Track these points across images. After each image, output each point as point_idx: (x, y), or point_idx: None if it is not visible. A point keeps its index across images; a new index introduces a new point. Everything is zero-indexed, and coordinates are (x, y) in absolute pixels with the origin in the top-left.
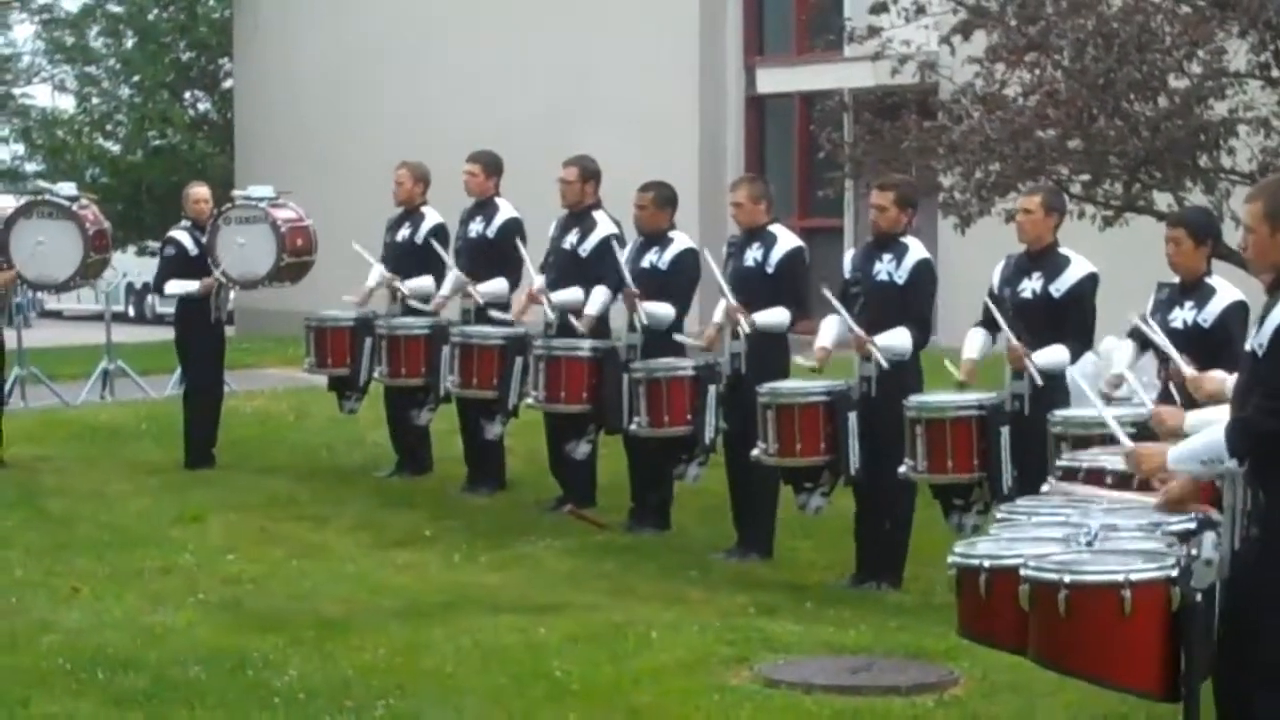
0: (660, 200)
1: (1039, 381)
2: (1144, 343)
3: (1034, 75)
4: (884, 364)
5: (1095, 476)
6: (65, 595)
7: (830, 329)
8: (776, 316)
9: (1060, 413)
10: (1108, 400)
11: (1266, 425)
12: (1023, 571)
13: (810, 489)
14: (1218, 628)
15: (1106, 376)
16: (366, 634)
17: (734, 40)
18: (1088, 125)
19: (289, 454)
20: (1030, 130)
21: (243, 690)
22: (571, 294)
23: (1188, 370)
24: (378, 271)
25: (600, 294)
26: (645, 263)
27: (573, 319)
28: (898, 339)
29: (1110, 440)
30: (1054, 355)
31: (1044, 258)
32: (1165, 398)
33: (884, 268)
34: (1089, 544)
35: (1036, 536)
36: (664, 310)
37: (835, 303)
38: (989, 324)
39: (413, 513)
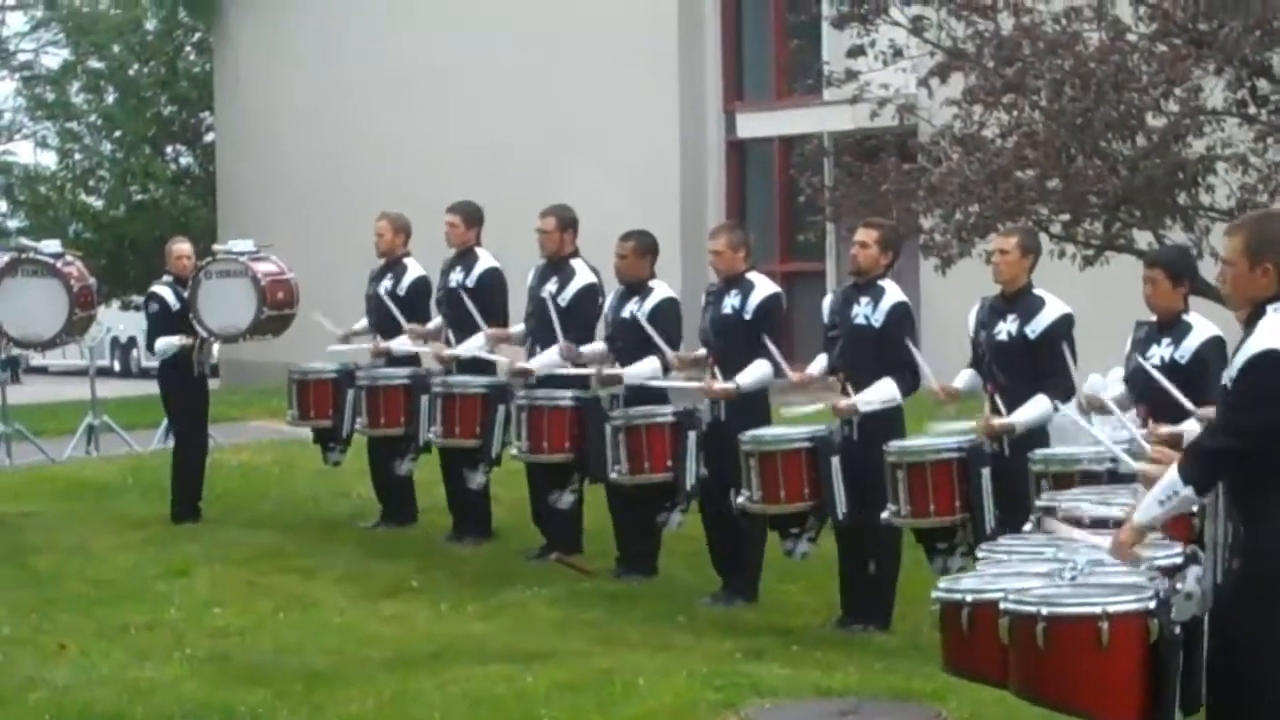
0: (640, 249)
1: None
2: (1139, 392)
3: (1012, 116)
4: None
5: (1073, 521)
6: (52, 652)
7: (963, 378)
8: (759, 372)
9: (1041, 451)
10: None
11: (1222, 444)
12: (1002, 604)
13: (796, 535)
14: (1207, 661)
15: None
16: (355, 685)
17: (713, 85)
18: (1066, 165)
19: (275, 506)
20: (1009, 171)
21: None
22: (549, 357)
23: (1186, 403)
24: (367, 330)
25: (597, 348)
26: (626, 313)
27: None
28: (884, 391)
29: (1089, 479)
30: (1035, 410)
31: (1019, 299)
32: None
33: (861, 311)
34: (1072, 579)
35: (1020, 572)
36: (647, 368)
37: (915, 353)
38: (977, 365)
39: (399, 563)
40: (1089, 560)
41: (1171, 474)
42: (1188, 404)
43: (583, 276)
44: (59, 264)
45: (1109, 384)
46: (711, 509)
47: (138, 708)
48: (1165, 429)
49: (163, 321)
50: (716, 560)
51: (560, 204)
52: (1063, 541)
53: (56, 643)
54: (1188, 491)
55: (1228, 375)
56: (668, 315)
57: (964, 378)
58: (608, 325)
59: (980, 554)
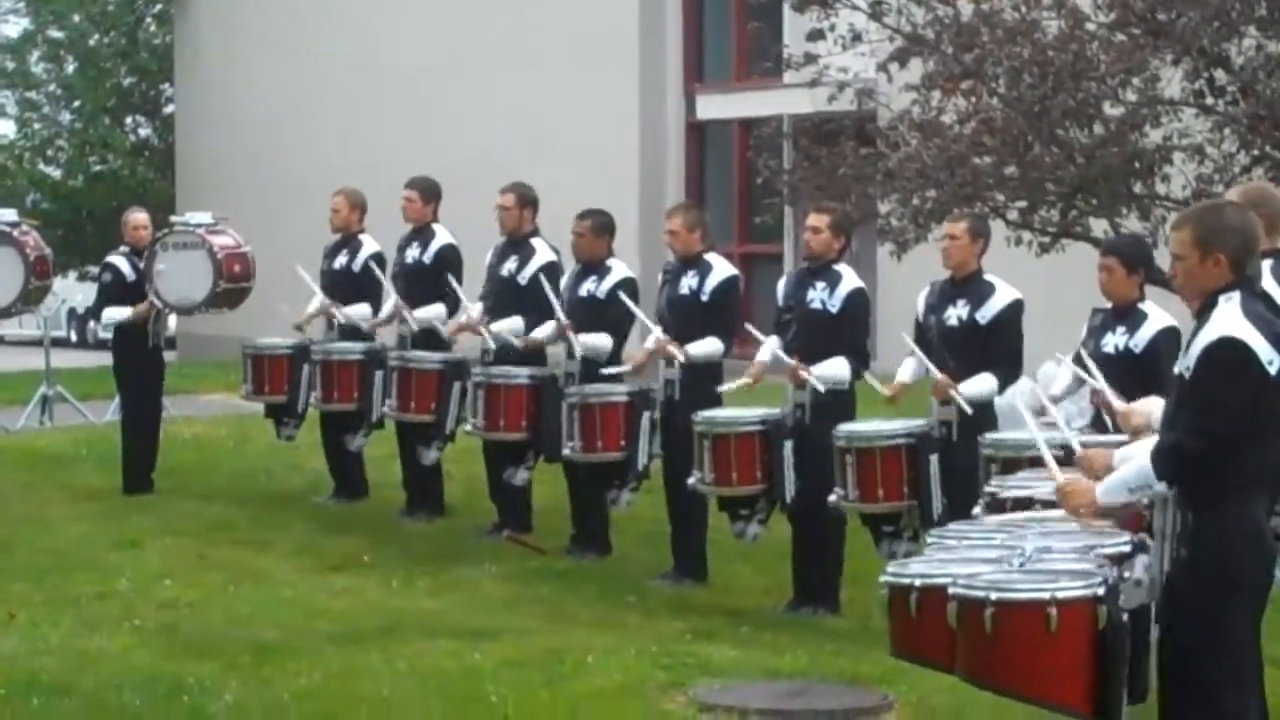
0: (598, 228)
1: (968, 412)
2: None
3: (970, 103)
4: (820, 389)
5: (1022, 505)
6: (1, 620)
7: (767, 349)
8: (709, 347)
9: (991, 435)
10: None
11: (1191, 446)
12: (950, 589)
13: (746, 517)
14: (1156, 648)
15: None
16: (303, 659)
17: (674, 66)
18: (1024, 152)
19: (228, 479)
20: (966, 157)
21: (178, 716)
22: (510, 323)
23: (1117, 404)
24: (318, 299)
25: (549, 326)
26: (583, 291)
27: (513, 339)
28: (836, 368)
29: (1039, 463)
30: (981, 385)
31: (969, 284)
32: (1098, 423)
33: (817, 295)
34: (1021, 565)
35: (969, 558)
36: (601, 341)
37: (913, 347)
38: (923, 348)
39: (351, 538)
40: (1037, 547)
41: (1144, 465)
42: (1116, 401)
43: (542, 255)
44: (15, 233)
45: (1059, 373)
46: (673, 488)
47: (86, 677)
48: (1133, 410)
49: (116, 291)
50: (675, 540)
51: (520, 181)
52: (1013, 526)
53: (6, 612)
54: (1160, 487)
55: (1183, 365)
56: (628, 295)
57: (908, 369)
58: (564, 304)
59: (930, 539)
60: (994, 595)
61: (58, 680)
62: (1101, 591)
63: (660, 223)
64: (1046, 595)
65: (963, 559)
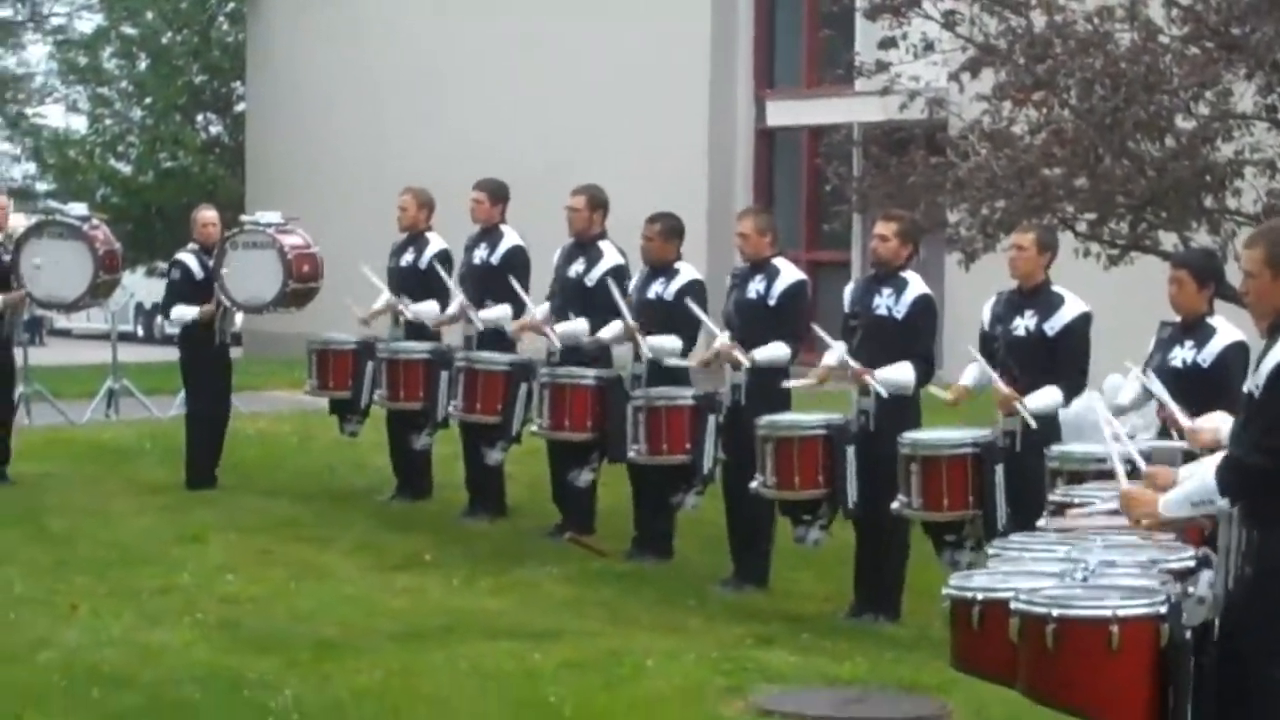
0: (667, 231)
1: (1033, 425)
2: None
3: (1041, 114)
4: (883, 394)
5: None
6: (64, 612)
7: (833, 355)
8: (776, 352)
9: (1057, 448)
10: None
11: (1257, 462)
12: (1012, 604)
13: (809, 522)
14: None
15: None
16: (363, 656)
17: (744, 73)
18: (1094, 164)
19: (291, 476)
20: (1036, 168)
21: (238, 710)
22: (576, 325)
23: (1185, 421)
24: (384, 296)
25: (615, 327)
26: (651, 293)
27: (581, 339)
28: (900, 373)
29: (1105, 475)
30: (1047, 398)
31: (1037, 295)
32: (1164, 436)
33: (883, 301)
34: (1084, 580)
35: (1032, 570)
36: (669, 343)
37: (826, 338)
38: (987, 358)
39: (413, 537)
40: (1101, 560)
41: (1208, 480)
42: (1182, 417)
43: (611, 257)
44: (85, 227)
45: (1126, 385)
46: (733, 493)
47: (146, 671)
48: (1201, 428)
49: (184, 288)
50: (733, 545)
51: (592, 184)
52: (1074, 538)
53: (69, 603)
54: (1223, 503)
55: (1253, 383)
56: (694, 298)
57: (971, 374)
58: (633, 306)
59: (992, 551)
60: (1056, 612)
61: (119, 672)
62: (1164, 609)
63: (728, 228)
64: (1108, 613)
65: (1026, 572)
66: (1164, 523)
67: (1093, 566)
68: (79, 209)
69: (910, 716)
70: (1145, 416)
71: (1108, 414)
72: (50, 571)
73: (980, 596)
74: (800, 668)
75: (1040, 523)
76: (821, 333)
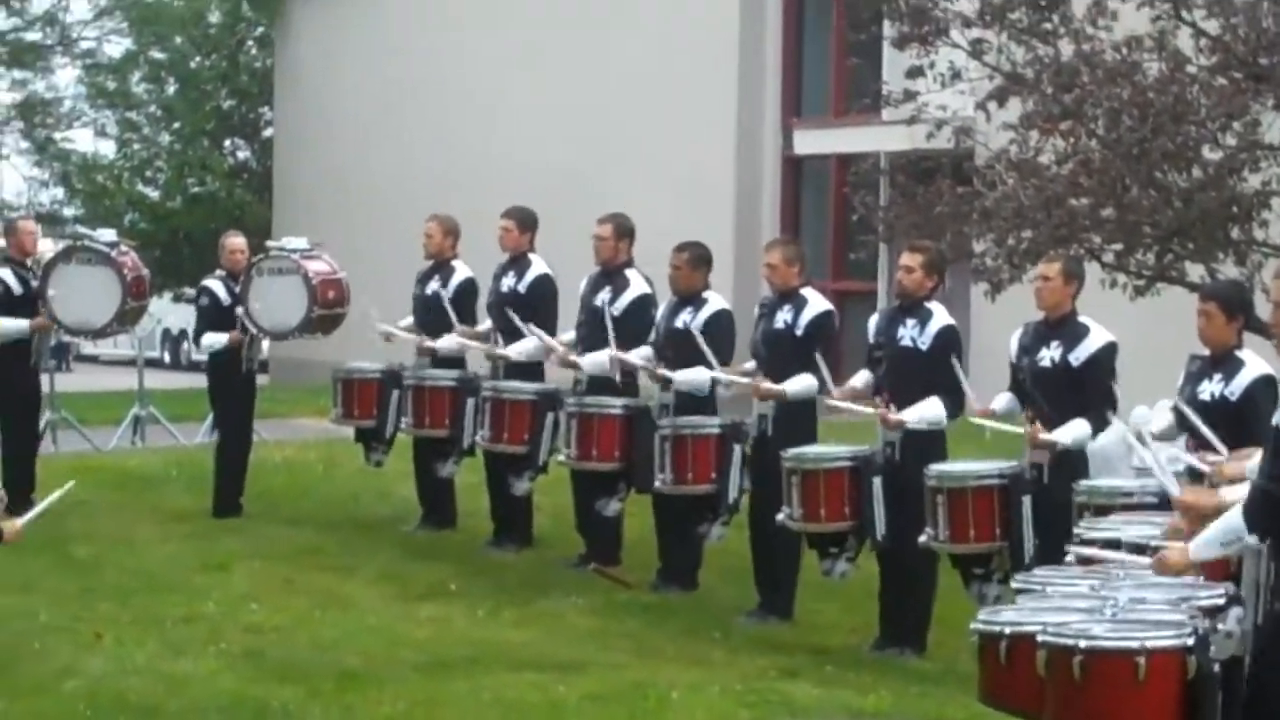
0: (695, 260)
1: (1067, 444)
2: (1182, 421)
3: (1068, 143)
4: (921, 428)
5: (1111, 547)
6: (89, 641)
7: (1002, 401)
8: (804, 384)
9: (1085, 482)
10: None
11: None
12: (1039, 637)
13: (835, 554)
14: (1245, 702)
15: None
16: (387, 686)
17: (772, 101)
18: (1121, 195)
19: (316, 504)
20: (1063, 198)
21: None
22: (601, 356)
23: (1212, 457)
24: (409, 320)
25: (644, 351)
26: (679, 323)
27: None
28: (930, 409)
29: (1132, 509)
30: (1075, 431)
31: (1063, 326)
32: (1193, 474)
33: (908, 333)
34: (1113, 615)
35: (1063, 606)
36: (699, 376)
37: (825, 374)
38: (1016, 389)
39: (438, 566)
40: (1131, 598)
41: (1235, 519)
42: (1219, 445)
43: (637, 286)
44: (114, 253)
45: (1155, 416)
46: (759, 524)
47: (171, 700)
48: (1227, 465)
49: (212, 315)
50: (759, 576)
51: (618, 212)
52: (1100, 573)
53: (93, 632)
54: (1252, 539)
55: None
56: (722, 328)
57: (1002, 401)
58: (659, 335)
59: (1016, 584)
60: (1083, 643)
61: (144, 702)
62: (1191, 642)
63: (755, 256)
64: (1135, 644)
65: (1056, 608)
66: (1196, 562)
67: (1123, 603)
68: (108, 235)
69: None
70: (1171, 451)
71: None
72: (75, 599)
73: (1008, 630)
74: (825, 701)
75: (1068, 558)
76: (824, 369)
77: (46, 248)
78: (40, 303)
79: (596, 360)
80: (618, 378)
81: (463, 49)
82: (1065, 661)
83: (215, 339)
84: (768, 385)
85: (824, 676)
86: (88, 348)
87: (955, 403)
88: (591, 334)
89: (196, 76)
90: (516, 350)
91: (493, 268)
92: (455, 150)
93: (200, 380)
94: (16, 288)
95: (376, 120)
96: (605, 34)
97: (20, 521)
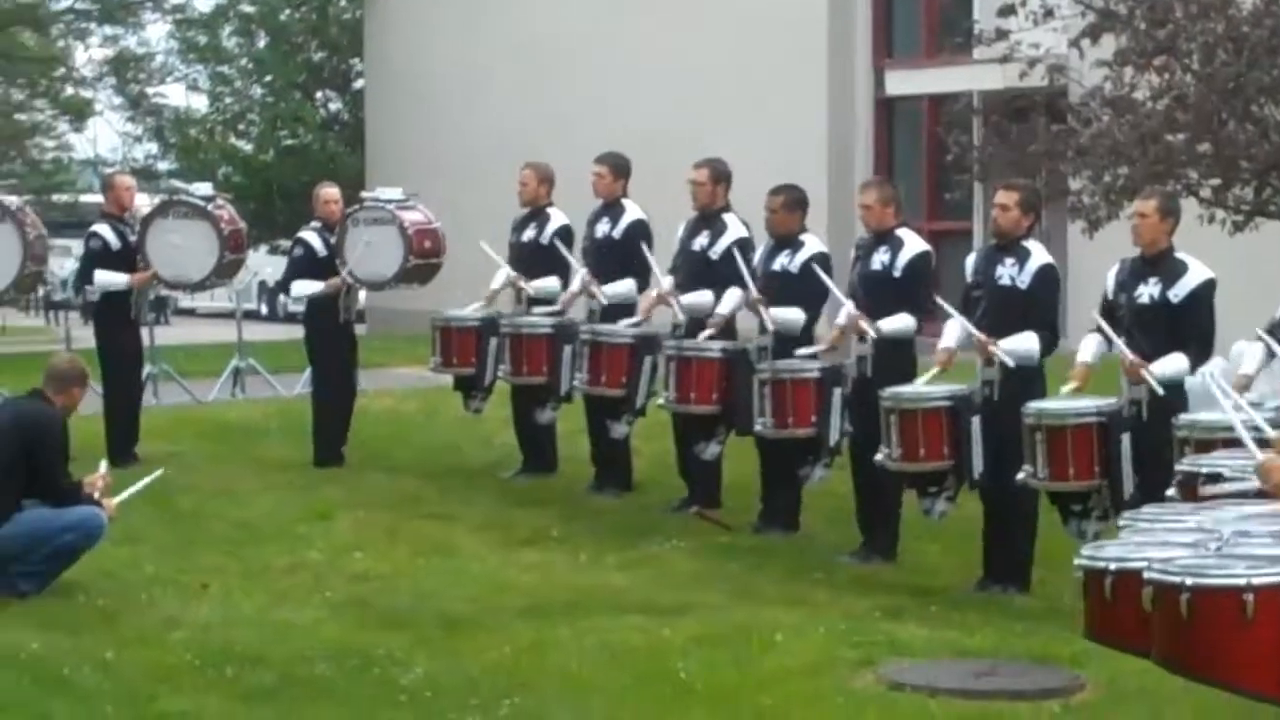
0: (791, 203)
1: (1160, 392)
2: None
3: (1163, 79)
4: (1009, 363)
5: (1214, 479)
6: (194, 591)
7: (953, 332)
8: (902, 323)
9: (1185, 416)
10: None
11: None
12: (1145, 574)
13: (934, 494)
14: None
15: (1234, 378)
16: (492, 633)
17: (863, 43)
18: (1217, 129)
19: (417, 453)
20: (1159, 134)
21: (369, 687)
22: (701, 296)
23: None
24: (503, 273)
25: (733, 295)
26: (776, 265)
27: (706, 310)
28: (1024, 342)
29: (1234, 444)
30: (1173, 364)
31: (1161, 262)
32: None
33: (1006, 272)
34: (1218, 549)
35: (1166, 541)
36: (794, 315)
37: (949, 309)
38: (1111, 323)
39: (540, 512)
40: (1235, 530)
41: None
42: None
43: (734, 230)
44: (210, 207)
45: (1250, 351)
46: (860, 466)
47: (277, 649)
48: None
49: (307, 265)
50: (861, 517)
51: (714, 157)
52: (1209, 509)
53: (199, 582)
54: None
55: None
56: (821, 269)
57: (1090, 350)
58: (758, 278)
59: (1122, 522)
60: (1189, 580)
61: (250, 651)
62: None
63: (849, 199)
64: (1243, 581)
65: (1159, 542)
66: None
67: (1226, 536)
68: (204, 188)
69: (1041, 688)
70: (1273, 383)
71: (1224, 385)
72: (180, 551)
73: (1113, 567)
74: (929, 640)
75: (1169, 492)
76: (944, 304)
77: (142, 203)
78: (139, 257)
79: (696, 302)
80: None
81: (554, 2)
82: (1172, 599)
83: (306, 286)
84: (864, 323)
85: (928, 616)
86: (185, 301)
87: (1051, 341)
88: (690, 278)
89: (286, 29)
90: (611, 291)
91: (586, 216)
92: (547, 100)
93: (296, 331)
94: (115, 243)
95: (467, 69)
96: None
97: (115, 501)
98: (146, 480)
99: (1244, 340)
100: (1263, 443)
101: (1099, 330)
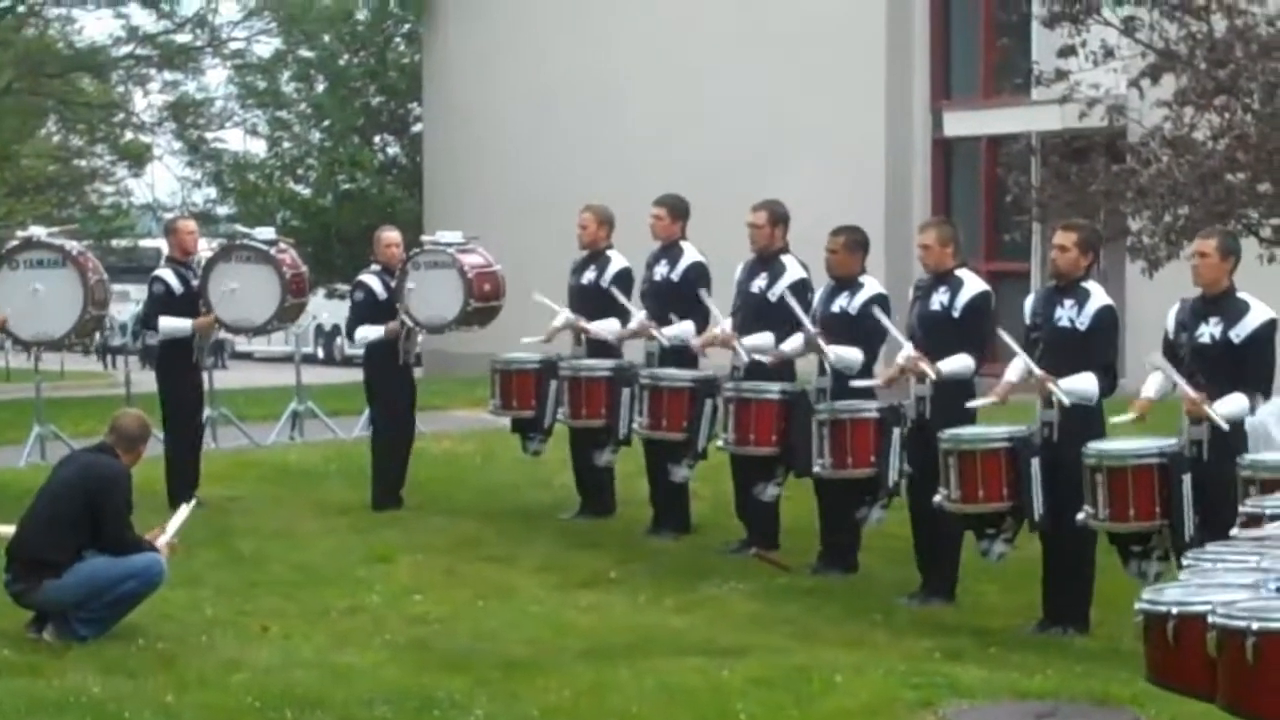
0: (851, 244)
1: (1224, 427)
2: None
3: (1223, 119)
4: (1065, 402)
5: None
6: (255, 634)
7: (1015, 368)
8: (961, 364)
9: (1249, 457)
10: None
11: None
12: (1210, 618)
13: (993, 535)
14: None
15: None
16: (552, 674)
17: (921, 83)
18: (1278, 169)
19: (475, 495)
20: (1220, 174)
21: None
22: (763, 338)
23: None
24: (563, 314)
25: (797, 339)
26: (835, 307)
27: (763, 357)
28: (1083, 383)
29: None
30: (1234, 404)
31: (1222, 302)
32: None
33: (1065, 313)
34: (1278, 590)
35: (1225, 583)
36: (852, 354)
37: (1162, 363)
38: (1174, 363)
39: (598, 554)
40: None
41: None
42: None
43: (793, 272)
44: (273, 251)
45: None
46: (918, 507)
47: (338, 692)
48: None
49: (368, 309)
50: (920, 558)
51: (772, 199)
52: (1269, 547)
53: (259, 625)
54: None
55: None
56: (881, 311)
57: (1154, 386)
58: (816, 320)
59: (1187, 562)
60: (1256, 625)
61: (311, 694)
62: None
63: (907, 239)
64: None
65: (1219, 584)
66: None
67: None
68: (266, 233)
69: None
70: None
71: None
72: (240, 593)
73: (1175, 611)
74: (989, 682)
75: (1233, 532)
76: (1008, 338)
77: (203, 247)
78: (201, 301)
79: (758, 343)
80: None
81: (611, 40)
82: (1238, 643)
83: (369, 331)
84: (925, 365)
85: (988, 657)
86: (242, 345)
87: (1110, 382)
88: (748, 320)
89: (345, 74)
90: (670, 334)
91: (645, 258)
92: (606, 143)
93: (353, 374)
94: (178, 287)
95: (525, 112)
96: (756, 24)
97: (164, 541)
98: (185, 510)
99: None
100: None
101: (1161, 369)
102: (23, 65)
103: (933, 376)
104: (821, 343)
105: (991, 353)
